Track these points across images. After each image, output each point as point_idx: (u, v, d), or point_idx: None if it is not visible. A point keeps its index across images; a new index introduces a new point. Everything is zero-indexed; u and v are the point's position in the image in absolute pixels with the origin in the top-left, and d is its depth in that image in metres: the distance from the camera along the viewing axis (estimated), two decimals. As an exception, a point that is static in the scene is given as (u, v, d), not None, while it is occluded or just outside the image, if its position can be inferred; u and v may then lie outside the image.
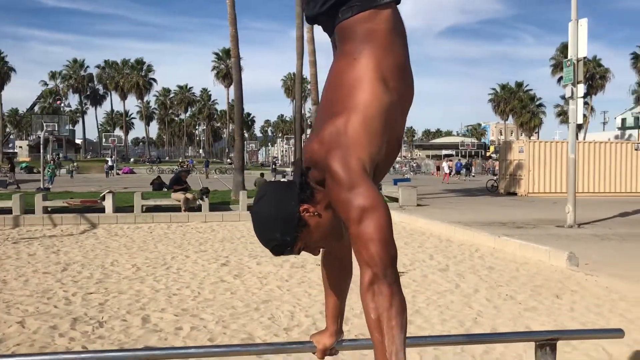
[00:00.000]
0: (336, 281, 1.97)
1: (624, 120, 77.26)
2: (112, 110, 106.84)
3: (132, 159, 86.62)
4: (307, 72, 22.86)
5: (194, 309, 6.12)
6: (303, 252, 1.72)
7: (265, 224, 1.65)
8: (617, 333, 2.21)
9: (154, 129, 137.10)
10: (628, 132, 70.60)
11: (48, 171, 28.81)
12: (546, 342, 2.12)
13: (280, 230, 1.62)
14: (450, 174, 40.61)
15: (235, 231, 12.93)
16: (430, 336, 2.90)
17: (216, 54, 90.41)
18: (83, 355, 2.38)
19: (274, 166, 46.38)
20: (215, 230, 13.19)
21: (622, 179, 26.54)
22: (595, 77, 63.36)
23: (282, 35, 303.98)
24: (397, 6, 1.78)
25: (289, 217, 1.62)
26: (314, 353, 2.03)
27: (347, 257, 1.95)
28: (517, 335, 3.40)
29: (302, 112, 23.78)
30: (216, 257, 9.45)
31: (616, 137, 64.08)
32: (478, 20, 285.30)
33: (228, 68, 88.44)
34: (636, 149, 27.11)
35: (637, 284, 7.30)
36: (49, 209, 15.68)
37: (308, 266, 8.56)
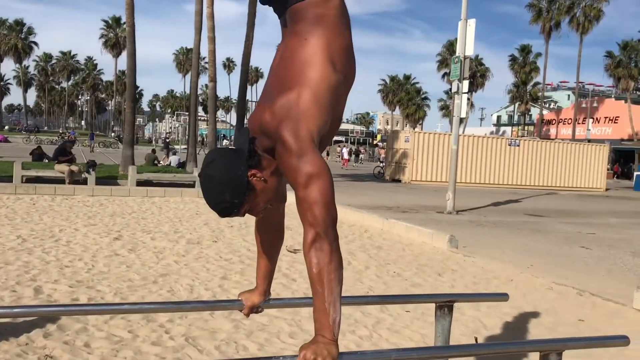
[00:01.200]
0: (269, 244, 2.15)
1: (499, 117, 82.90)
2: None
3: (6, 127, 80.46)
4: (204, 48, 22.44)
5: (89, 281, 6.01)
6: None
7: (215, 187, 1.76)
8: (503, 297, 2.55)
9: (31, 96, 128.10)
10: (502, 128, 75.84)
11: None
12: (445, 303, 2.42)
13: (229, 193, 1.74)
14: (349, 160, 41.82)
15: (125, 206, 12.59)
16: (350, 296, 3.12)
17: (105, 21, 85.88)
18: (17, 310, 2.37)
19: (167, 141, 44.86)
20: (103, 204, 12.77)
21: (496, 171, 28.66)
22: (476, 75, 67.24)
23: (174, 8, 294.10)
24: None
25: (238, 181, 1.74)
26: (241, 310, 2.18)
27: (281, 223, 2.14)
28: (421, 297, 3.73)
29: (197, 88, 23.34)
30: (107, 231, 9.21)
31: (492, 132, 68.63)
32: (371, 12, 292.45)
33: (117, 37, 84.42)
34: (509, 145, 29.34)
35: (507, 264, 8.09)
36: None
37: (204, 242, 8.62)
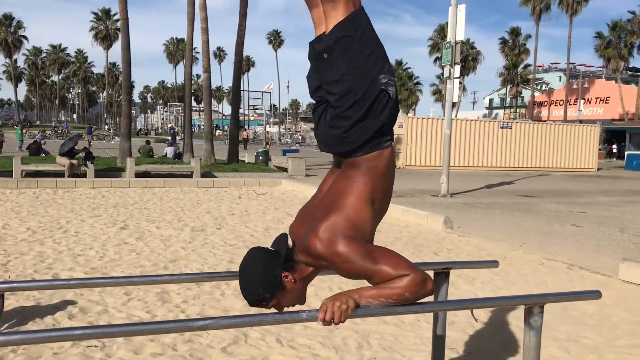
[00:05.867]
0: None
1: (491, 100, 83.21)
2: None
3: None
4: (197, 39, 22.56)
5: (103, 268, 6.30)
6: None
7: (252, 281, 2.04)
8: (494, 263, 2.86)
9: (21, 90, 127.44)
10: (495, 111, 76.24)
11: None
12: (442, 270, 2.72)
13: (263, 288, 2.02)
14: None
15: (127, 197, 12.86)
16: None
17: (95, 13, 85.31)
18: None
19: (173, 131, 44.51)
20: (105, 196, 13.03)
21: (489, 154, 29.00)
22: (468, 58, 67.40)
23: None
24: None
25: (273, 280, 2.03)
26: None
27: None
28: (419, 265, 4.03)
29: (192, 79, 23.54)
30: (113, 221, 9.49)
31: (484, 115, 69.04)
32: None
33: (108, 29, 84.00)
34: (501, 127, 29.67)
35: (500, 242, 8.43)
36: None
37: (208, 230, 8.91)
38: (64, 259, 6.67)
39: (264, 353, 4.04)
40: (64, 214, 10.12)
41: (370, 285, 2.04)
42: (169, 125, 74.11)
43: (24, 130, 35.63)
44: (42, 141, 24.90)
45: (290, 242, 2.17)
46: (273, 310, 2.07)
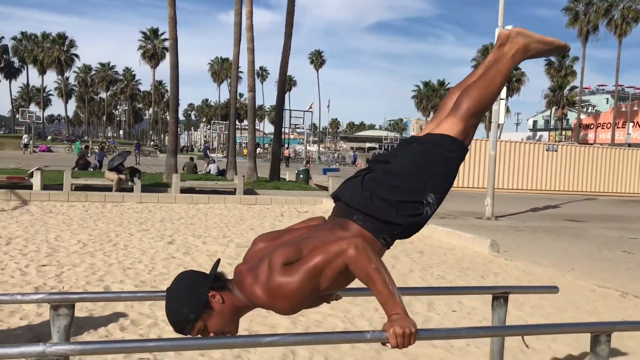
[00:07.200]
0: None
1: (535, 122, 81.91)
2: (28, 85, 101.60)
3: (49, 137, 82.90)
4: (242, 59, 22.94)
5: (152, 281, 6.42)
6: None
7: (176, 300, 1.99)
8: (553, 289, 2.81)
9: (71, 106, 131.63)
10: (539, 133, 74.93)
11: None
12: (500, 294, 2.69)
13: (187, 307, 1.95)
14: None
15: (173, 213, 13.08)
16: (415, 287, 3.42)
17: (144, 33, 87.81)
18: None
19: (206, 147, 46.21)
20: (152, 211, 13.29)
21: (534, 177, 28.45)
22: (512, 80, 66.57)
23: (209, 18, 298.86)
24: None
25: (198, 298, 1.97)
26: None
27: None
28: (479, 288, 4.00)
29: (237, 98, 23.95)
30: (160, 235, 9.66)
31: (528, 137, 67.87)
32: (404, 17, 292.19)
33: (155, 48, 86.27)
34: (547, 150, 29.12)
35: (548, 267, 8.24)
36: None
37: (253, 246, 8.97)
38: (114, 271, 6.82)
39: (313, 372, 4.03)
40: (112, 227, 10.36)
41: (369, 274, 1.95)
42: (204, 143, 75.83)
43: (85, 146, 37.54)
44: (99, 159, 25.54)
45: (221, 270, 2.13)
46: (337, 328, 2.07)
